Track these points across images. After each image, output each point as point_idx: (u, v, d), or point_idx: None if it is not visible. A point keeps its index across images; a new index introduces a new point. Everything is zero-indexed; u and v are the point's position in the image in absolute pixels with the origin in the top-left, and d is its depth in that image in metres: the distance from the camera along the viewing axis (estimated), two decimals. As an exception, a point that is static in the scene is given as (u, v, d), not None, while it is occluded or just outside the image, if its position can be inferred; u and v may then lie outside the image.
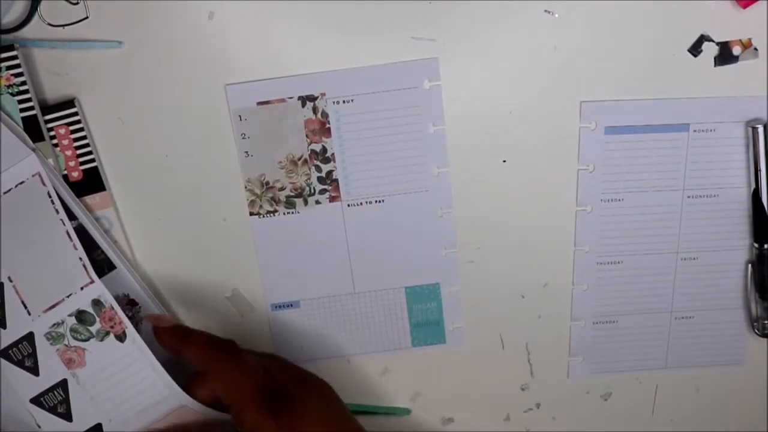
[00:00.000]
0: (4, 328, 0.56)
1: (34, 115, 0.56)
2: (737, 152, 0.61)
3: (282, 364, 0.61)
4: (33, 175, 0.56)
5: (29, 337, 0.56)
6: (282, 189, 0.61)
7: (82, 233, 0.58)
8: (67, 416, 0.56)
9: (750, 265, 0.64)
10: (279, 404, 0.55)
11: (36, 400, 0.56)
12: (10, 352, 0.56)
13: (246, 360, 0.57)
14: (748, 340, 0.67)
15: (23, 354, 0.56)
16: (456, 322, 0.65)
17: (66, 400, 0.56)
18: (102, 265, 0.59)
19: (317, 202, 0.62)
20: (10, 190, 0.56)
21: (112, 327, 0.56)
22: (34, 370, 0.56)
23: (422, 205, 0.62)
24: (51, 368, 0.55)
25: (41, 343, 0.55)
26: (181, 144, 0.60)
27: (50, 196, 0.56)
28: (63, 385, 0.56)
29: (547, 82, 0.59)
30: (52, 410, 0.56)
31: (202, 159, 0.60)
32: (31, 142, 0.56)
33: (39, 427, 0.56)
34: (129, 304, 0.60)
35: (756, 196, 0.61)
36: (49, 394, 0.56)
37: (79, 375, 0.56)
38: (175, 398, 0.57)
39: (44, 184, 0.56)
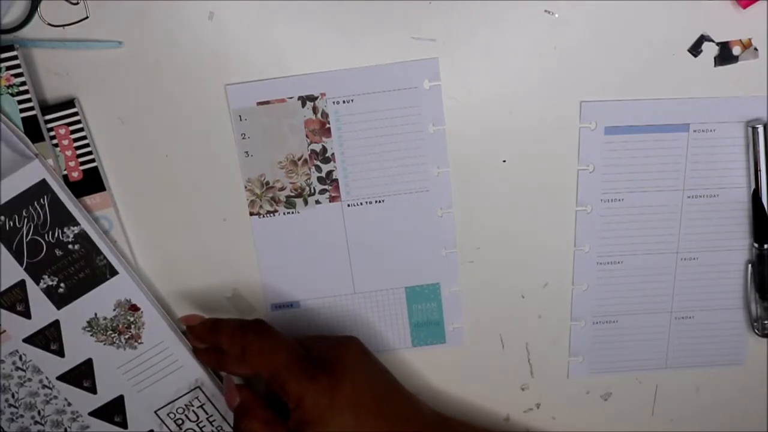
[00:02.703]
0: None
1: (34, 116, 0.56)
2: (737, 152, 0.61)
3: (312, 336, 0.62)
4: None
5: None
6: (282, 189, 0.61)
7: (85, 239, 0.58)
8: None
9: (750, 265, 0.64)
10: (317, 369, 0.57)
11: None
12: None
13: (278, 335, 0.59)
14: (748, 340, 0.67)
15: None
16: (456, 322, 0.65)
17: None
18: (104, 271, 0.59)
19: (317, 202, 0.62)
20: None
21: None
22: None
23: (422, 205, 0.62)
24: None
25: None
26: (181, 144, 0.60)
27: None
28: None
29: (547, 82, 0.59)
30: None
31: (202, 159, 0.60)
32: (33, 147, 0.56)
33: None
34: (131, 309, 0.60)
35: (756, 196, 0.61)
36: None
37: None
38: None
39: (48, 191, 0.56)
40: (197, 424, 0.64)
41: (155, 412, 0.63)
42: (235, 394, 0.59)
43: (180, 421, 0.64)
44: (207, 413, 0.64)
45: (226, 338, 0.58)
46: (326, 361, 0.58)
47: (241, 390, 0.60)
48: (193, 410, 0.63)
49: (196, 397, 0.63)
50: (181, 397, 0.63)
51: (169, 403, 0.63)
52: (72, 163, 0.58)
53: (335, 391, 0.56)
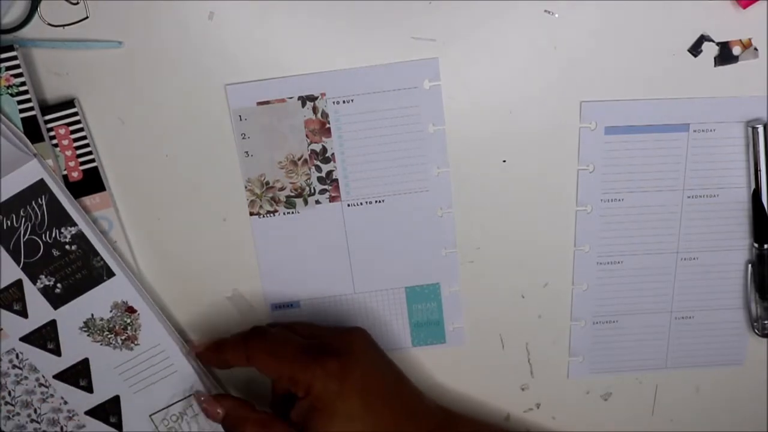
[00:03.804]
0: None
1: (34, 116, 0.56)
2: (737, 152, 0.61)
3: (318, 326, 0.62)
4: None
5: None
6: (282, 189, 0.61)
7: (82, 239, 0.58)
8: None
9: (750, 265, 0.64)
10: (326, 355, 0.56)
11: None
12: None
13: (279, 334, 0.58)
14: (748, 340, 0.67)
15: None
16: (456, 322, 0.65)
17: None
18: (101, 272, 0.59)
19: (317, 202, 0.62)
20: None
21: None
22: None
23: (422, 205, 0.62)
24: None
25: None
26: (181, 144, 0.60)
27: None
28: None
29: (547, 82, 0.59)
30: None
31: (202, 159, 0.60)
32: (32, 147, 0.56)
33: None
34: (127, 311, 0.60)
35: (756, 196, 0.61)
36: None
37: None
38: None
39: (46, 191, 0.56)
40: None
41: (150, 416, 0.63)
42: (215, 407, 0.58)
43: (173, 429, 0.63)
44: (199, 426, 0.63)
45: (231, 354, 0.58)
46: (335, 348, 0.57)
47: (223, 400, 0.59)
48: (186, 420, 0.63)
49: (191, 406, 0.63)
50: (175, 403, 0.63)
51: (163, 409, 0.63)
52: (72, 163, 0.58)
53: (345, 376, 0.56)
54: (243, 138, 0.60)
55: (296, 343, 0.58)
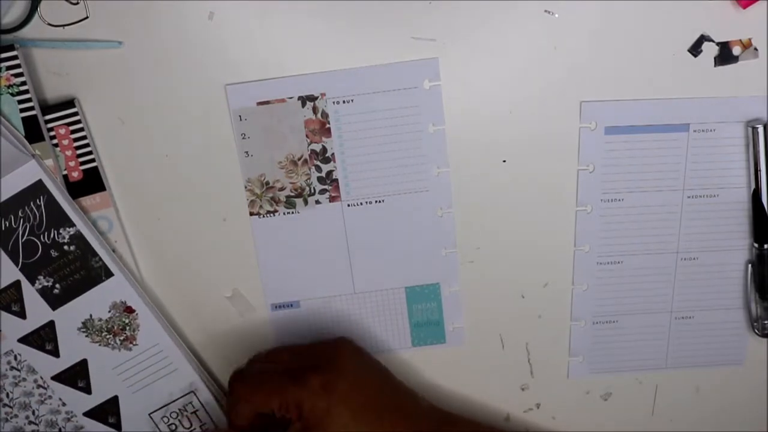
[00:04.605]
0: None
1: (34, 116, 0.56)
2: (737, 152, 0.61)
3: (297, 346, 0.61)
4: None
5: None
6: (282, 189, 0.61)
7: (81, 240, 0.58)
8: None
9: (750, 265, 0.64)
10: (308, 374, 0.56)
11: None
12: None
13: (255, 370, 0.58)
14: (748, 340, 0.67)
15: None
16: (456, 322, 0.65)
17: None
18: (99, 272, 0.59)
19: (317, 202, 0.62)
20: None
21: None
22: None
23: (422, 205, 0.62)
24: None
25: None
26: (181, 144, 0.60)
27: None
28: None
29: (547, 82, 0.59)
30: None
31: (202, 159, 0.60)
32: (31, 147, 0.56)
33: None
34: (126, 311, 0.60)
35: (756, 196, 0.61)
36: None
37: None
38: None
39: (44, 192, 0.56)
40: (190, 431, 0.64)
41: (149, 414, 0.63)
42: None
43: (173, 426, 0.64)
44: (200, 420, 0.63)
45: (229, 414, 0.58)
46: (317, 364, 0.57)
47: None
48: (186, 416, 0.63)
49: (190, 402, 0.63)
50: (175, 401, 0.63)
51: (163, 407, 0.63)
52: (72, 163, 0.58)
53: (330, 391, 0.56)
54: (243, 138, 0.60)
55: (277, 371, 0.57)
